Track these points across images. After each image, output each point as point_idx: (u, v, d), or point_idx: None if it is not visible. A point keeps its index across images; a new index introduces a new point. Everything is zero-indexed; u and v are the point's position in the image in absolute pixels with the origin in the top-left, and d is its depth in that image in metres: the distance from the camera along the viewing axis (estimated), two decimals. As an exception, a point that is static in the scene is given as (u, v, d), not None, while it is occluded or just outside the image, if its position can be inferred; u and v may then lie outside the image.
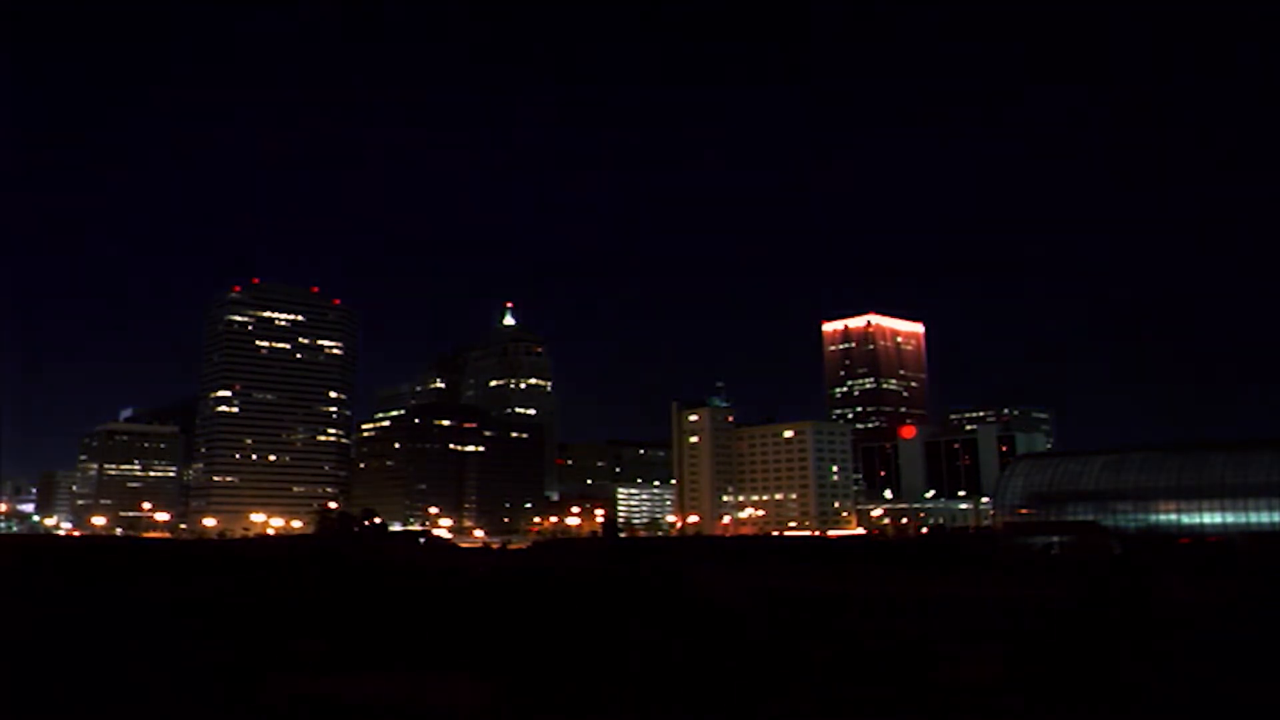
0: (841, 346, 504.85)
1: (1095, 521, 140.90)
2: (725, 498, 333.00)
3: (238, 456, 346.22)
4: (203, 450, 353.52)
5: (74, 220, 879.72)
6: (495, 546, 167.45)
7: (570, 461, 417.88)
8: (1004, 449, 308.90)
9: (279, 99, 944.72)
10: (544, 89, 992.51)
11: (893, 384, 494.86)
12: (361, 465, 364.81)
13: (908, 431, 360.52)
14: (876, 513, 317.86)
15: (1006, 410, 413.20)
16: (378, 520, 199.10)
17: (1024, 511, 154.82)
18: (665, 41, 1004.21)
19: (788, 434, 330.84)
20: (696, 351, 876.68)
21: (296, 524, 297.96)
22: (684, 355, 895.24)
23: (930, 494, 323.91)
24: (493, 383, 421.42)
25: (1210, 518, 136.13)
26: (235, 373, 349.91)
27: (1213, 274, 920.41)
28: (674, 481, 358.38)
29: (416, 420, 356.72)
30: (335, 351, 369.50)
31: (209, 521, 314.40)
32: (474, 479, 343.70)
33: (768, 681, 29.46)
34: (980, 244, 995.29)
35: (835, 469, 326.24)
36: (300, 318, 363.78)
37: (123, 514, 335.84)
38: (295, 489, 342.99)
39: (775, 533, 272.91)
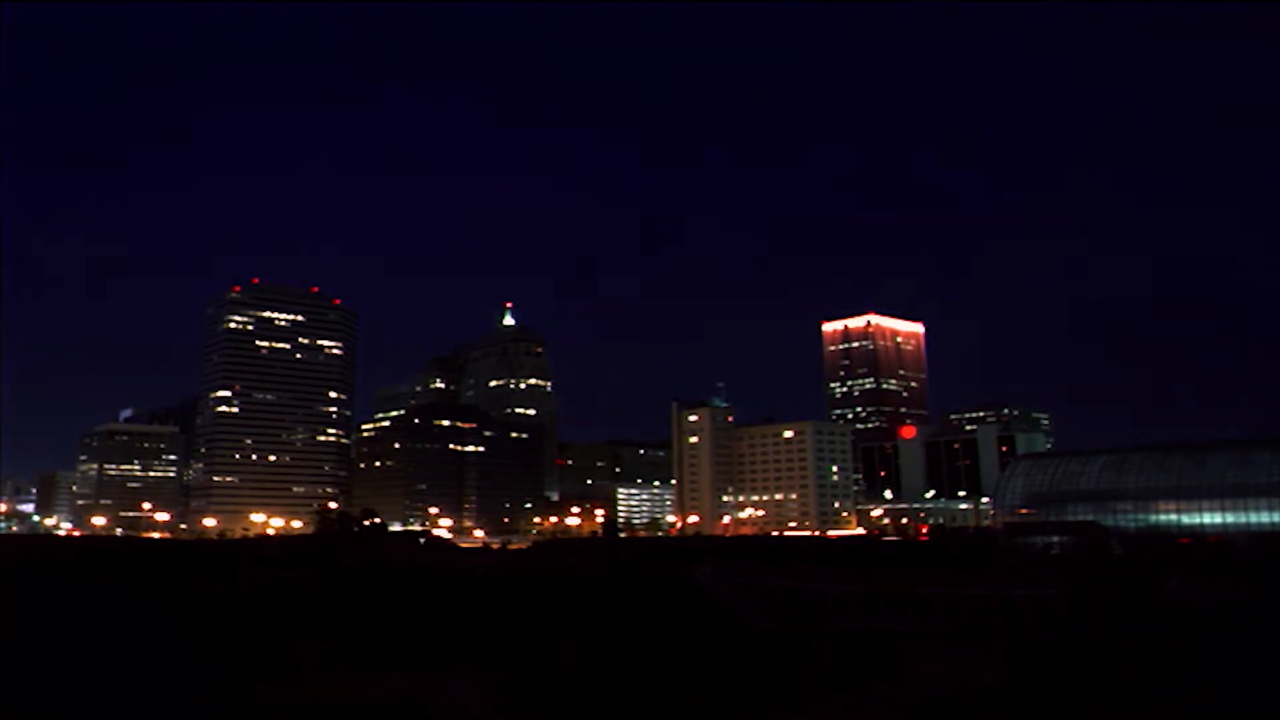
0: (841, 346, 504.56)
1: (1095, 521, 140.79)
2: (725, 498, 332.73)
3: (238, 456, 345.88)
4: (203, 450, 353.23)
5: (74, 220, 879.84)
6: (495, 546, 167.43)
7: (570, 461, 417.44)
8: (1004, 449, 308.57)
9: (279, 100, 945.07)
10: (544, 88, 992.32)
11: (893, 384, 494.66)
12: (361, 465, 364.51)
13: (908, 431, 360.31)
14: (876, 513, 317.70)
15: (1006, 410, 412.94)
16: (378, 520, 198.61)
17: (1024, 511, 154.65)
18: (667, 41, 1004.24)
19: (788, 434, 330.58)
20: (696, 351, 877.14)
21: (296, 524, 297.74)
22: (684, 355, 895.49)
23: (930, 494, 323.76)
24: (493, 383, 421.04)
25: (1210, 518, 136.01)
26: (235, 373, 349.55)
27: (1213, 274, 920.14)
28: (674, 481, 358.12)
29: (416, 420, 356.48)
30: (335, 351, 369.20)
31: (209, 521, 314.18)
32: (474, 479, 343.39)
33: (771, 681, 29.48)
34: (983, 245, 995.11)
35: (835, 469, 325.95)
36: (300, 318, 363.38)
37: (123, 514, 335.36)
38: (295, 489, 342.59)
39: (775, 533, 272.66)
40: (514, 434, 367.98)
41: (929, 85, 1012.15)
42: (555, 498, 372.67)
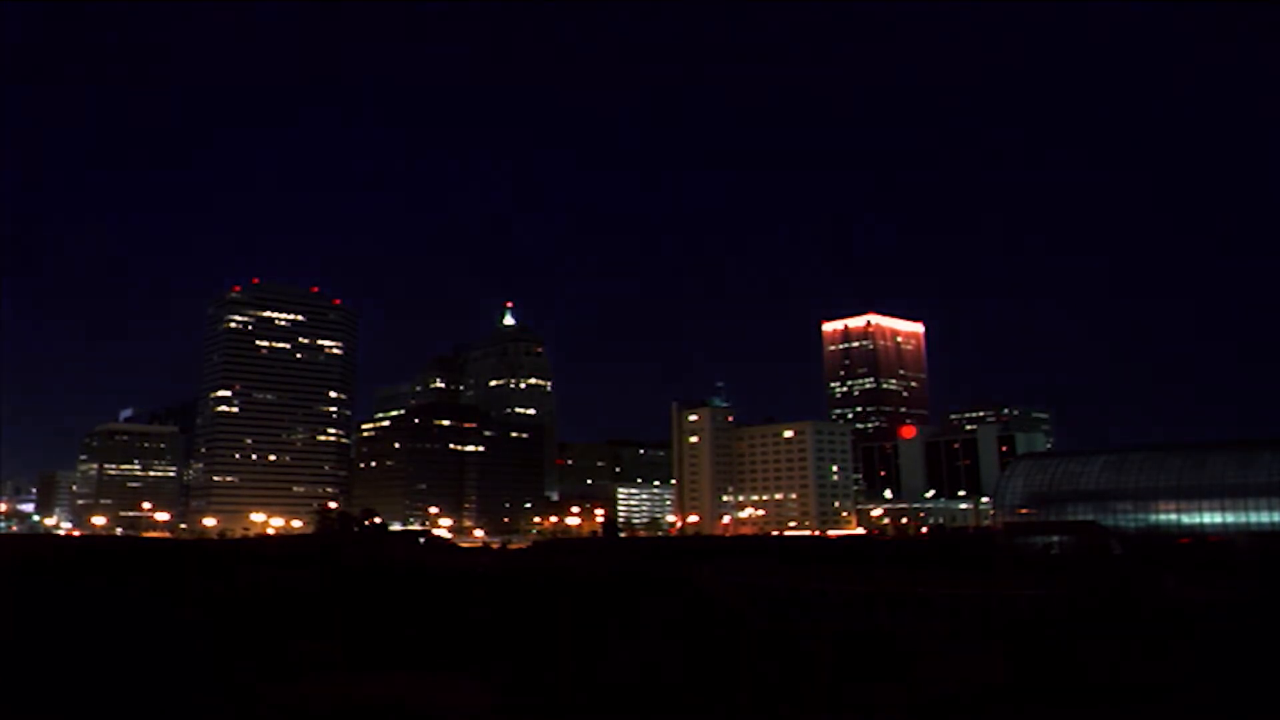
0: (841, 346, 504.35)
1: (1095, 521, 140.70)
2: (725, 498, 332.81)
3: (238, 456, 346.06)
4: (203, 450, 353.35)
5: (74, 220, 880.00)
6: (495, 546, 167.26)
7: (570, 461, 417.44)
8: (1004, 449, 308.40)
9: (279, 99, 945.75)
10: (543, 91, 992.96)
11: (893, 384, 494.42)
12: (361, 465, 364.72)
13: (908, 431, 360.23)
14: (876, 513, 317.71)
15: (1006, 410, 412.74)
16: (378, 520, 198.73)
17: (1024, 511, 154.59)
18: (667, 38, 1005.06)
19: (788, 434, 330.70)
20: (696, 351, 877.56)
21: (296, 524, 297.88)
22: (684, 355, 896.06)
23: (930, 494, 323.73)
24: (493, 383, 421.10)
25: (1210, 518, 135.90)
26: (235, 373, 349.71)
27: (1212, 273, 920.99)
28: (674, 481, 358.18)
29: (416, 420, 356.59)
30: (335, 351, 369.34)
31: (209, 521, 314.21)
32: (474, 479, 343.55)
33: (771, 681, 29.47)
34: (982, 245, 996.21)
35: (835, 469, 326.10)
36: (300, 318, 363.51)
37: (123, 514, 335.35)
38: (295, 489, 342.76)
39: (775, 533, 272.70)
40: (514, 434, 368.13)
41: (929, 82, 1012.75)
42: (555, 498, 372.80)
